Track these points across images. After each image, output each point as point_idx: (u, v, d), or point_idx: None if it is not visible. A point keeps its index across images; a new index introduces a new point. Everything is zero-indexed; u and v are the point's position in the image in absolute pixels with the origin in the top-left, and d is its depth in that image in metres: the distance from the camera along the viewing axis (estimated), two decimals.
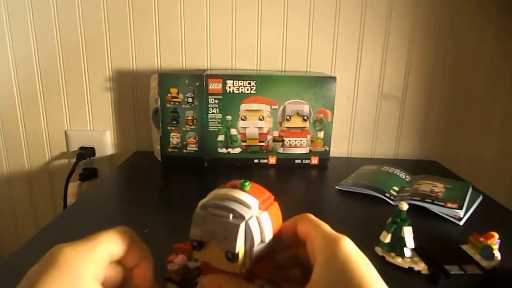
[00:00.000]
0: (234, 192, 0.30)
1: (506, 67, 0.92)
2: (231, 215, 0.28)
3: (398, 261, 0.46)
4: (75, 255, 0.25)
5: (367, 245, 0.49)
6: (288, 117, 0.82)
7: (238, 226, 0.28)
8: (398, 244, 0.46)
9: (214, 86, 0.79)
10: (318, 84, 0.80)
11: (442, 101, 0.94)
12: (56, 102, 0.95)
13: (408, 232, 0.45)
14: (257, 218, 0.29)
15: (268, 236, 0.30)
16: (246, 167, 0.83)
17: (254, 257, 0.29)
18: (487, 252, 0.46)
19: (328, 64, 0.92)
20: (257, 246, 0.29)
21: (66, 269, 0.24)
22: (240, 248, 0.28)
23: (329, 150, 0.84)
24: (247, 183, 0.31)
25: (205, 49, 0.91)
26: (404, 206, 0.46)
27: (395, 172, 0.76)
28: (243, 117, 0.81)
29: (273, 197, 0.32)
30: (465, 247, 0.49)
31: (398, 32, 0.90)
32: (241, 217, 0.28)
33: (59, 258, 0.24)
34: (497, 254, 0.46)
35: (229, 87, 0.79)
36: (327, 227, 0.29)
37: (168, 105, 0.80)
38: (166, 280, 0.37)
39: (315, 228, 0.29)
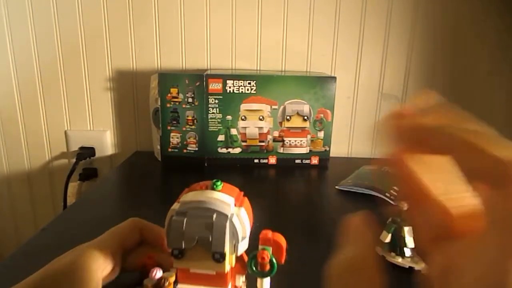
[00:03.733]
0: (210, 193, 0.30)
1: (507, 67, 0.92)
2: (214, 216, 0.28)
3: (398, 260, 0.46)
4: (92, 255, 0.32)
5: None
6: (288, 117, 0.82)
7: (225, 226, 0.28)
8: (398, 244, 0.46)
9: (214, 86, 0.79)
10: (318, 84, 0.80)
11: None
12: (56, 102, 0.95)
13: (408, 232, 0.45)
14: (237, 215, 0.29)
15: (248, 231, 0.30)
16: (246, 167, 0.82)
17: (239, 254, 0.30)
18: None
19: (328, 64, 0.92)
20: (241, 242, 0.30)
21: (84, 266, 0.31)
22: (227, 247, 0.29)
23: (329, 150, 0.84)
24: (219, 183, 0.31)
25: (205, 49, 0.91)
26: (405, 206, 0.46)
27: None
28: (243, 117, 0.81)
29: (242, 192, 0.32)
30: None
31: (398, 32, 0.90)
32: (224, 217, 0.29)
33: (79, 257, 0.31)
34: None
35: (229, 87, 0.79)
36: None
37: (168, 105, 0.80)
38: None
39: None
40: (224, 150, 0.82)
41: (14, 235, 1.04)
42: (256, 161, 0.84)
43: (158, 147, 0.84)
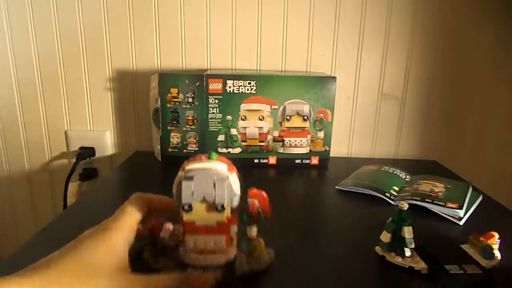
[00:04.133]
0: (208, 162, 0.39)
1: (506, 67, 0.92)
2: (214, 178, 0.38)
3: (398, 260, 0.46)
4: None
5: (367, 244, 0.50)
6: (288, 117, 0.82)
7: (224, 184, 0.38)
8: (398, 244, 0.46)
9: (214, 86, 0.79)
10: (318, 84, 0.80)
11: (442, 101, 0.94)
12: (56, 102, 0.95)
13: (408, 232, 0.45)
14: (231, 177, 0.39)
15: (238, 190, 0.39)
16: (246, 167, 0.82)
17: (233, 206, 0.39)
18: (487, 251, 0.46)
19: (328, 64, 0.92)
20: (234, 198, 0.39)
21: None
22: (226, 200, 0.38)
23: (329, 150, 0.84)
24: (214, 154, 0.40)
25: (205, 49, 0.91)
26: (405, 206, 0.46)
27: (395, 172, 0.76)
28: (243, 117, 0.81)
29: (230, 161, 0.42)
30: (465, 246, 0.49)
31: (398, 32, 0.90)
32: (222, 178, 0.38)
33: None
34: (497, 253, 0.46)
35: (229, 87, 0.79)
36: None
37: (168, 105, 0.80)
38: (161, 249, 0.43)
39: None
40: (224, 150, 0.82)
41: (14, 235, 1.04)
42: (256, 161, 0.84)
43: (158, 147, 0.84)
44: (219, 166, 0.39)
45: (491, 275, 0.45)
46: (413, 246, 0.46)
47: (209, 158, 0.40)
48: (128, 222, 0.38)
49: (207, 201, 0.38)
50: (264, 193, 0.44)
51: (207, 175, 0.38)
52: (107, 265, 0.34)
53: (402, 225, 0.46)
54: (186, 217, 0.39)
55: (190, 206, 0.38)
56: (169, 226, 0.42)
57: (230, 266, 0.40)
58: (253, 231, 0.44)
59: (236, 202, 0.40)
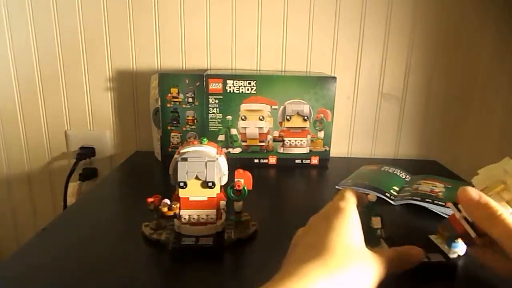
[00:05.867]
0: (201, 146, 0.47)
1: (506, 67, 0.92)
2: (206, 158, 0.45)
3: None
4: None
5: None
6: (288, 117, 0.82)
7: (214, 164, 0.45)
8: (367, 234, 0.47)
9: (214, 86, 0.79)
10: (318, 84, 0.80)
11: (442, 101, 0.94)
12: (56, 102, 0.95)
13: (376, 222, 0.47)
14: (220, 159, 0.46)
15: (226, 170, 0.47)
16: (246, 167, 0.82)
17: (222, 183, 0.47)
18: (452, 242, 0.46)
19: (328, 64, 0.92)
20: (223, 177, 0.46)
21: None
22: (216, 178, 0.45)
23: (329, 150, 0.84)
24: (205, 139, 0.48)
25: (205, 49, 0.91)
26: (373, 198, 0.47)
27: (395, 172, 0.76)
28: (243, 117, 0.81)
29: (220, 146, 0.50)
30: (433, 237, 0.50)
31: (398, 32, 0.90)
32: (212, 159, 0.45)
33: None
34: (461, 244, 0.47)
35: (229, 87, 0.79)
36: None
37: (168, 105, 0.80)
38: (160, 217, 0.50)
39: None
40: (224, 150, 0.82)
41: (14, 235, 1.04)
42: (256, 161, 0.84)
43: (159, 147, 0.84)
44: (209, 150, 0.46)
45: (456, 264, 0.45)
46: (381, 236, 0.47)
47: (201, 143, 0.48)
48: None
49: (200, 179, 0.45)
50: (248, 173, 0.51)
51: (199, 156, 0.45)
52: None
53: (371, 216, 0.47)
54: (181, 193, 0.45)
55: (185, 183, 0.45)
56: (166, 200, 0.48)
57: (219, 235, 0.47)
58: (239, 205, 0.51)
59: (224, 180, 0.47)
